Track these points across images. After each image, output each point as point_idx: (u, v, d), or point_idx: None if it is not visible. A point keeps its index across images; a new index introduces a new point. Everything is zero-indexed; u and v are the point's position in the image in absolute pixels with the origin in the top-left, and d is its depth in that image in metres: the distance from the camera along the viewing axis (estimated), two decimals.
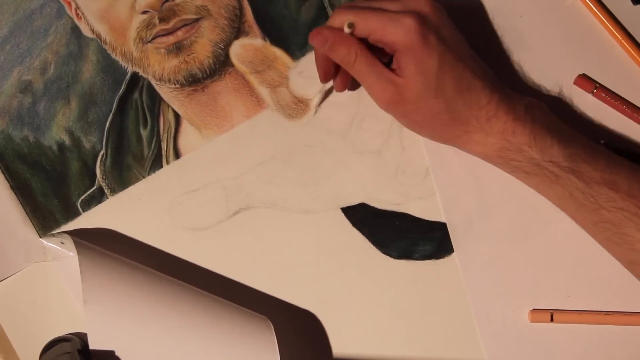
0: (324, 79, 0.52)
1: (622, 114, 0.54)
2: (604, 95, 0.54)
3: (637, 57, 0.54)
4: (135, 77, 0.55)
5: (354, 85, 0.54)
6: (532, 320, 0.53)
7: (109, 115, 0.55)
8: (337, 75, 0.52)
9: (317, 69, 0.51)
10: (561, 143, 0.47)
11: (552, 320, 0.53)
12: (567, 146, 0.47)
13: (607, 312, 0.53)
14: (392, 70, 0.48)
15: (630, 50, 0.54)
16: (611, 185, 0.46)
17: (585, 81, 0.54)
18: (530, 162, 0.48)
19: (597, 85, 0.54)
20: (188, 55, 0.55)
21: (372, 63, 0.48)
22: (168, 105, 0.55)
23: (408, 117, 0.50)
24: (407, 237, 0.55)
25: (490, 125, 0.48)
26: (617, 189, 0.46)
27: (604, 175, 0.47)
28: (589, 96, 0.54)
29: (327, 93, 0.55)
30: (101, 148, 0.55)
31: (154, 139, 0.55)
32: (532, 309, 0.54)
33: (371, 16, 0.47)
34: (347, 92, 0.55)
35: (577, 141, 0.48)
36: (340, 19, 0.48)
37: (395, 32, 0.46)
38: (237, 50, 0.56)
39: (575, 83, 0.54)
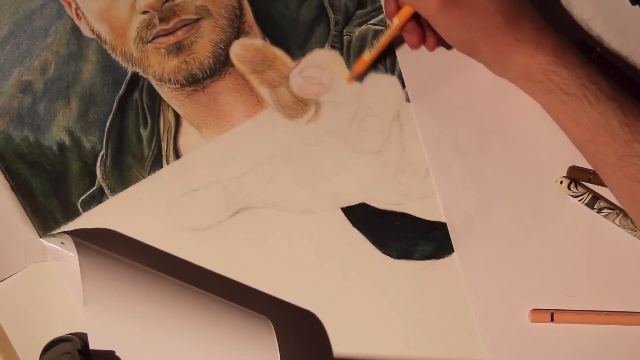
0: (388, 14, 0.53)
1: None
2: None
3: None
4: (135, 77, 0.55)
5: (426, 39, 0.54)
6: (533, 320, 0.53)
7: (109, 116, 0.55)
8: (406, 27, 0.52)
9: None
10: (604, 74, 0.49)
11: (552, 320, 0.53)
12: (609, 78, 0.48)
13: (607, 312, 0.53)
14: None
15: None
16: None
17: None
18: (575, 81, 0.48)
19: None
20: (188, 56, 0.55)
21: None
22: (168, 105, 0.56)
23: (461, 21, 0.49)
24: (407, 237, 0.55)
25: (541, 39, 0.49)
26: None
27: None
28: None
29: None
30: (101, 148, 0.55)
31: (154, 139, 0.55)
32: (532, 308, 0.54)
33: None
34: (346, 92, 0.55)
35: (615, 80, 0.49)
36: None
37: None
38: (237, 50, 0.56)
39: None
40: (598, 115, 0.48)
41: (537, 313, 0.53)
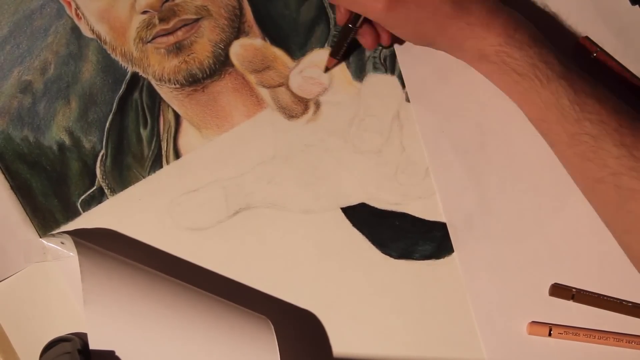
0: (339, 21, 0.53)
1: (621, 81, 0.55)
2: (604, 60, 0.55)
3: None
4: (135, 77, 0.55)
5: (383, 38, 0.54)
6: (530, 333, 0.53)
7: (109, 115, 0.55)
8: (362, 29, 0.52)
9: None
10: (557, 53, 0.49)
11: (550, 334, 0.53)
12: (562, 57, 0.49)
13: (605, 333, 0.53)
14: None
15: None
16: (599, 99, 0.47)
17: (588, 44, 0.55)
18: (526, 61, 0.48)
19: (599, 49, 0.54)
20: (188, 55, 0.55)
21: None
22: (168, 105, 0.56)
23: (410, 17, 0.49)
24: (407, 237, 0.55)
25: (493, 19, 0.48)
26: (604, 105, 0.47)
27: (594, 90, 0.47)
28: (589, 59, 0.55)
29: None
30: (101, 148, 0.55)
31: (154, 139, 0.55)
32: (532, 306, 0.54)
33: None
34: (346, 92, 0.55)
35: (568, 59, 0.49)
36: None
37: None
38: (237, 50, 0.56)
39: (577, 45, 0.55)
40: (549, 95, 0.48)
41: (535, 326, 0.53)
